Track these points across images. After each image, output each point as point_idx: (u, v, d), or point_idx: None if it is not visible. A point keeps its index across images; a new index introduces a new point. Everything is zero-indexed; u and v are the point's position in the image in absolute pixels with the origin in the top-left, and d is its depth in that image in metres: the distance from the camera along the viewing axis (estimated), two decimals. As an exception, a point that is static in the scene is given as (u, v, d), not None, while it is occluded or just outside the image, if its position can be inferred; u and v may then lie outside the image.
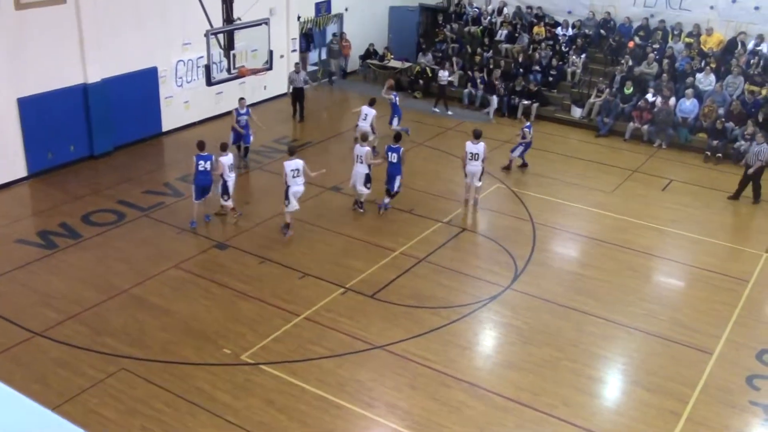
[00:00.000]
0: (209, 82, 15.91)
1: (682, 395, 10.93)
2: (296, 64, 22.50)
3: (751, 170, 17.40)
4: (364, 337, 11.96)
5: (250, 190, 17.69)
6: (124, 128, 19.05)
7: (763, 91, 20.85)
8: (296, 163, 14.94)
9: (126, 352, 11.37)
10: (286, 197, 14.90)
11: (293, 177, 14.84)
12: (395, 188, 16.17)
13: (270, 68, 17.06)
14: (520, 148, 18.85)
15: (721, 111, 20.78)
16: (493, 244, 15.21)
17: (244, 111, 18.37)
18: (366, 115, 19.22)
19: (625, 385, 11.39)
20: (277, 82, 23.24)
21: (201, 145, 15.11)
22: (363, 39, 26.54)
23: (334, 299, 13.01)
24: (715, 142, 20.12)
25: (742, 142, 19.78)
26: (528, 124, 19.11)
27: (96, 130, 18.39)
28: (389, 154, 16.09)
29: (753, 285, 14.02)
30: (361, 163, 15.97)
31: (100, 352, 11.36)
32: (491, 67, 24.31)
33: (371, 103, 19.41)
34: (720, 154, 20.04)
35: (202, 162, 14.87)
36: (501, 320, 12.75)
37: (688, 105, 21.10)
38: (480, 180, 16.60)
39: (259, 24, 16.23)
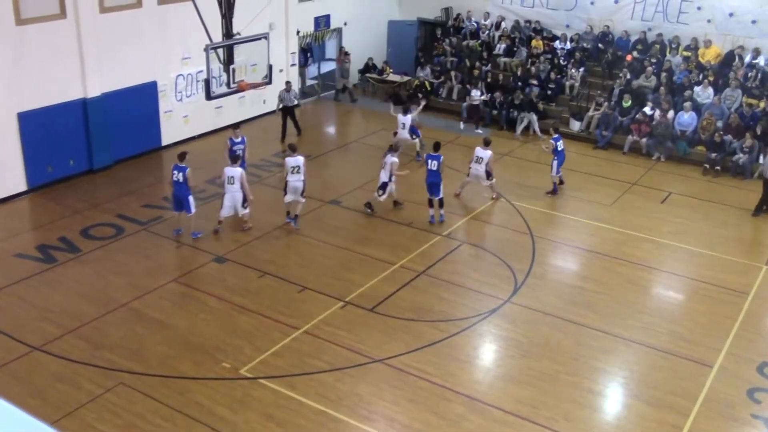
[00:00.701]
0: (209, 97, 15.98)
1: (683, 409, 10.89)
2: (287, 82, 21.70)
3: None
4: (364, 351, 11.92)
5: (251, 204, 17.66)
6: (123, 142, 19.09)
7: (761, 104, 20.89)
8: (296, 160, 15.66)
9: (125, 367, 11.33)
10: (285, 191, 15.76)
11: (292, 173, 15.58)
12: (440, 195, 16.33)
13: (269, 82, 17.16)
14: (555, 164, 18.20)
15: (719, 124, 20.83)
16: (492, 258, 15.20)
17: (239, 140, 17.19)
18: (403, 124, 19.88)
19: (625, 399, 11.35)
20: (276, 97, 23.29)
21: (181, 156, 15.23)
22: (362, 53, 26.62)
23: (334, 313, 12.98)
24: (713, 155, 20.15)
25: (741, 155, 19.82)
26: (556, 135, 18.41)
27: (95, 144, 18.42)
28: (429, 161, 16.32)
29: (753, 298, 14.00)
30: (383, 170, 16.37)
31: (98, 366, 11.33)
32: (489, 80, 24.38)
33: (405, 112, 20.21)
34: (718, 167, 20.07)
35: (176, 172, 15.07)
36: (500, 333, 12.72)
37: (687, 118, 21.15)
38: (489, 180, 17.43)
39: (259, 39, 16.32)
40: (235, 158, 15.99)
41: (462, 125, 23.28)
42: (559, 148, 18.16)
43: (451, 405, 10.84)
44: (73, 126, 17.97)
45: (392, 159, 16.30)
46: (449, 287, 14.01)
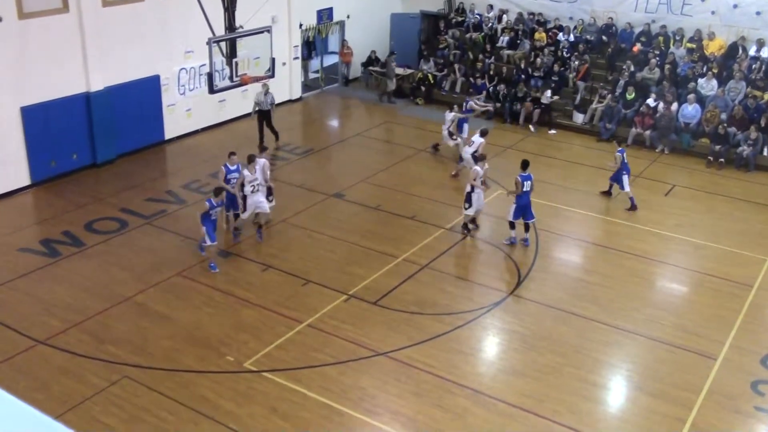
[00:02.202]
0: (212, 90, 15.98)
1: (687, 401, 10.89)
2: (264, 84, 19.31)
3: None
4: (367, 344, 11.94)
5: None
6: (126, 136, 19.08)
7: (766, 96, 20.81)
8: (256, 176, 14.74)
9: (129, 360, 11.36)
10: (243, 208, 14.96)
11: (252, 192, 14.74)
12: (532, 218, 15.28)
13: (272, 76, 17.13)
14: (625, 179, 17.15)
15: (723, 116, 20.76)
16: (495, 250, 15.20)
17: (234, 168, 14.97)
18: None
19: (629, 392, 11.35)
20: (279, 90, 23.26)
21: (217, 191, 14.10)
22: (365, 46, 26.58)
23: (337, 306, 12.99)
24: (717, 147, 20.10)
25: (745, 147, 19.76)
26: (621, 149, 17.59)
27: (98, 138, 18.42)
28: (525, 183, 14.91)
29: (757, 290, 13.98)
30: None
31: (103, 360, 11.36)
32: (491, 73, 24.33)
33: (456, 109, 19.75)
34: (722, 159, 20.02)
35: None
36: (504, 326, 12.72)
37: (691, 110, 21.09)
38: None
39: (261, 32, 16.32)
40: (231, 191, 14.75)
41: (532, 128, 22.47)
42: (625, 161, 17.31)
43: (455, 398, 10.85)
44: (76, 120, 17.97)
45: (475, 169, 15.43)
46: (453, 280, 14.01)
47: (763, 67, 21.71)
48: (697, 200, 18.05)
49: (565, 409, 10.69)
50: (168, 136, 20.39)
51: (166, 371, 11.15)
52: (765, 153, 19.92)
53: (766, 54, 22.04)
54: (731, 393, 11.14)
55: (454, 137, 19.35)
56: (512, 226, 15.18)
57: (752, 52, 22.24)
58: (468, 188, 15.30)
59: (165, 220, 16.00)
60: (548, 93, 22.93)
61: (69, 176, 17.94)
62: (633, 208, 17.08)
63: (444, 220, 16.28)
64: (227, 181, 14.84)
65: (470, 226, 15.70)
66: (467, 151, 17.79)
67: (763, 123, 20.03)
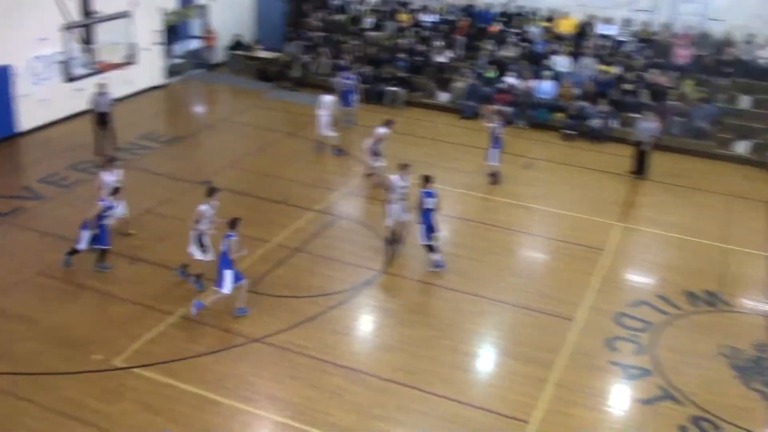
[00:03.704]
0: (68, 79, 15.30)
1: (548, 362, 11.56)
2: (100, 84, 17.92)
3: (647, 147, 18.48)
4: (241, 332, 11.92)
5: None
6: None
7: (613, 70, 22.12)
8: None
9: (-11, 367, 10.85)
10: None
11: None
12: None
13: (134, 62, 16.61)
14: (493, 150, 17.55)
15: (576, 91, 21.89)
16: (366, 230, 15.45)
17: (113, 175, 14.09)
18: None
19: (496, 357, 11.93)
20: (143, 76, 22.57)
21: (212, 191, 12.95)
22: (229, 30, 26.12)
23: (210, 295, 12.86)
24: (571, 121, 21.19)
25: (597, 120, 20.94)
26: (500, 122, 17.77)
27: (-57, 134, 17.28)
28: (426, 200, 13.60)
29: (608, 253, 14.94)
30: None
31: (-40, 368, 10.79)
32: (357, 55, 24.52)
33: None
34: (576, 132, 21.12)
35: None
36: (376, 304, 13.02)
37: (547, 86, 22.11)
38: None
39: (120, 17, 15.77)
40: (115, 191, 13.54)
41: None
42: (499, 135, 17.55)
43: (331, 377, 11.04)
44: None
45: (391, 178, 14.38)
46: (325, 262, 14.16)
47: (611, 44, 23.06)
48: (554, 172, 19.01)
49: (438, 379, 11.10)
50: (22, 128, 19.35)
51: (29, 375, 10.70)
52: (614, 125, 21.18)
53: (613, 32, 23.43)
54: (588, 350, 11.91)
55: (335, 128, 19.28)
56: (430, 248, 13.95)
57: (601, 30, 23.56)
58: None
59: (23, 217, 15.24)
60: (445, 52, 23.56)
61: None
62: (496, 182, 17.77)
63: (314, 202, 16.38)
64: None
65: (393, 238, 14.48)
66: (367, 144, 17.32)
67: (613, 96, 21.29)
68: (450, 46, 24.27)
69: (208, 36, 25.67)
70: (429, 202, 13.53)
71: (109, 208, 13.15)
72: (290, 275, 13.59)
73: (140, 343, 11.51)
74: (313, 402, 10.51)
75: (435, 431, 10.14)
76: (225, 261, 11.94)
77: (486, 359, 11.96)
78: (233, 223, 11.97)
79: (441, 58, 23.88)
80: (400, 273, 13.91)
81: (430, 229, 13.70)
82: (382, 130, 17.12)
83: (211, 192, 12.93)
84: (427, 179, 13.68)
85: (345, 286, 13.36)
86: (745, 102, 21.38)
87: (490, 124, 17.69)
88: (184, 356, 11.28)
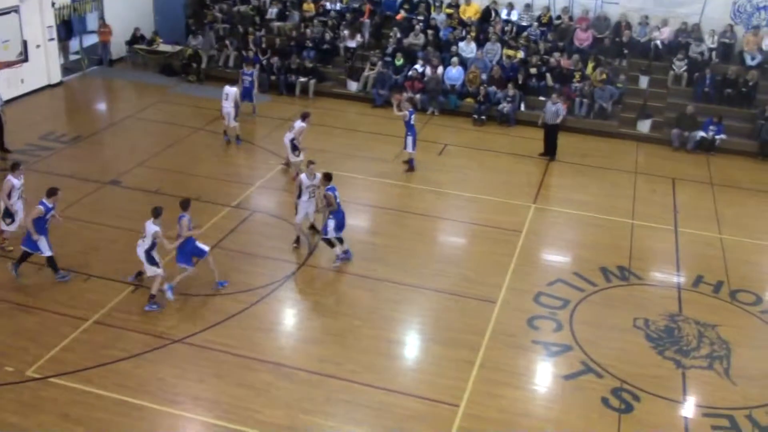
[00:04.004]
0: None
1: (474, 344, 11.70)
2: None
3: (554, 129, 18.89)
4: (161, 333, 11.57)
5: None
6: None
7: (518, 55, 22.57)
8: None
9: None
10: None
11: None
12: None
13: (26, 59, 15.81)
14: (408, 138, 17.64)
15: (483, 76, 22.22)
16: (283, 224, 15.22)
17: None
18: (226, 95, 18.65)
19: (422, 343, 12.01)
20: (35, 75, 21.52)
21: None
22: (127, 23, 25.22)
23: (125, 298, 12.43)
24: (480, 106, 21.49)
25: (505, 104, 21.31)
26: (411, 110, 17.77)
27: None
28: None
29: (526, 234, 15.25)
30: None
31: None
32: (264, 46, 24.13)
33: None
34: (484, 117, 21.44)
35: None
36: (299, 297, 12.89)
37: (455, 73, 22.35)
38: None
39: (8, 12, 14.98)
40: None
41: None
42: (412, 122, 17.60)
43: (257, 374, 10.86)
44: None
45: (300, 177, 14.13)
46: (244, 258, 13.90)
47: (514, 29, 23.53)
48: (467, 157, 19.25)
49: (363, 368, 11.08)
50: None
51: (-66, 393, 10.09)
52: (523, 108, 21.62)
53: (515, 17, 23.90)
54: (511, 331, 12.13)
55: (237, 118, 18.97)
56: (340, 240, 13.78)
57: (504, 15, 23.99)
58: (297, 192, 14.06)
59: None
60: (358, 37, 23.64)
61: None
62: (411, 169, 17.81)
63: (229, 198, 16.04)
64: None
65: (304, 233, 14.40)
66: (286, 137, 16.93)
67: (519, 80, 21.72)
68: (358, 30, 24.20)
69: (101, 30, 24.65)
70: (336, 197, 13.45)
71: (49, 210, 12.51)
72: (209, 273, 13.23)
73: (54, 351, 11.00)
74: (240, 400, 10.31)
75: (365, 420, 10.11)
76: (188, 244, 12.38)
77: (412, 346, 12.01)
78: (185, 204, 12.38)
79: (351, 44, 23.80)
80: (321, 265, 13.80)
81: (339, 226, 13.59)
82: (299, 124, 16.87)
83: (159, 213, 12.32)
84: (327, 177, 13.64)
85: (266, 281, 13.14)
86: (644, 82, 22.21)
87: (401, 113, 17.74)
88: (102, 362, 10.86)
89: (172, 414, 10.01)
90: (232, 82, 19.47)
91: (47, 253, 12.63)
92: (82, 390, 10.27)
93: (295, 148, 16.78)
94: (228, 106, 18.59)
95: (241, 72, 20.85)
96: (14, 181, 13.29)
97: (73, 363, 10.79)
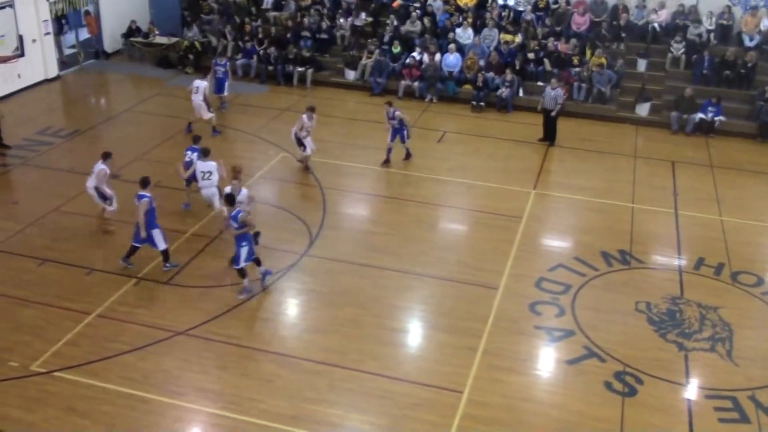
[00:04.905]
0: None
1: (476, 331, 11.72)
2: None
3: (554, 113, 18.86)
4: (164, 326, 11.58)
5: (18, 188, 16.34)
6: None
7: (516, 39, 22.50)
8: (209, 165, 14.12)
9: None
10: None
11: (203, 179, 14.21)
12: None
13: (22, 54, 15.77)
14: (402, 132, 17.23)
15: (481, 62, 22.15)
16: (285, 214, 15.24)
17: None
18: (197, 87, 18.50)
19: (424, 331, 12.02)
20: (32, 69, 21.47)
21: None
22: (123, 16, 25.13)
23: (128, 291, 12.45)
24: (479, 93, 21.44)
25: (503, 90, 21.26)
26: (394, 108, 17.19)
27: None
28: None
29: (526, 220, 15.25)
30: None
31: None
32: (260, 36, 24.03)
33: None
34: (483, 103, 21.40)
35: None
36: (301, 287, 12.89)
37: (452, 59, 22.28)
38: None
39: (3, 7, 14.93)
40: None
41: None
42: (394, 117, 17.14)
43: (261, 365, 10.88)
44: None
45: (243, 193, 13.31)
46: (245, 249, 13.88)
47: (511, 14, 23.46)
48: (466, 143, 19.23)
49: (368, 357, 11.10)
50: None
51: (-61, 390, 10.12)
52: (521, 94, 21.58)
53: (512, 2, 23.83)
54: (513, 317, 12.15)
55: (211, 109, 18.87)
56: (245, 272, 12.37)
57: (501, 0, 23.92)
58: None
59: None
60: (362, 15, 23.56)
61: None
62: (407, 156, 17.79)
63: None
64: None
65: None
66: (293, 131, 16.66)
67: (517, 66, 21.66)
68: (362, 9, 24.30)
69: (87, 23, 24.53)
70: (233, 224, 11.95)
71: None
72: (210, 265, 13.28)
73: (58, 345, 11.02)
74: (244, 390, 10.34)
75: (369, 409, 10.14)
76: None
77: (415, 334, 12.03)
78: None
79: (357, 22, 23.86)
80: (322, 254, 13.80)
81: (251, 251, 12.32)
82: (305, 119, 16.68)
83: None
84: (230, 199, 12.32)
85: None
86: (642, 65, 22.15)
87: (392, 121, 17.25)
88: (106, 355, 10.88)
89: (177, 405, 10.03)
90: (203, 75, 19.26)
91: (162, 246, 12.87)
92: (87, 383, 10.30)
93: (300, 142, 16.70)
94: (197, 99, 18.43)
95: (214, 62, 20.43)
96: (107, 169, 13.79)
97: (77, 357, 10.82)
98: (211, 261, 13.40)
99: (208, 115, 18.67)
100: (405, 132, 17.38)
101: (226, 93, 20.39)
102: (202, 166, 14.21)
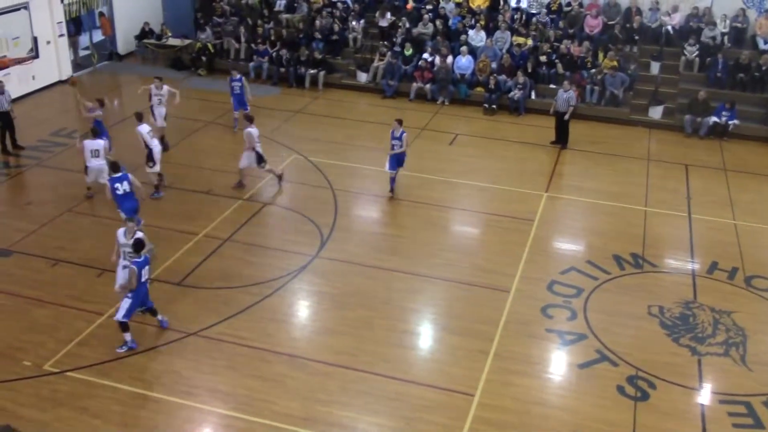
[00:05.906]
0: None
1: (488, 334, 11.69)
2: None
3: (567, 115, 18.77)
4: (176, 326, 11.61)
5: (31, 189, 16.43)
6: None
7: (528, 42, 22.46)
8: (96, 144, 14.86)
9: None
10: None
11: (92, 156, 14.88)
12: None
13: (36, 56, 15.85)
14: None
15: (494, 65, 22.12)
16: (296, 215, 15.26)
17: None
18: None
19: (436, 333, 11.99)
20: (46, 71, 21.59)
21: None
22: (136, 18, 25.25)
23: (139, 292, 12.47)
24: (491, 95, 21.39)
25: (515, 92, 21.22)
26: (402, 130, 15.84)
27: None
28: (141, 271, 10.95)
29: (538, 223, 15.20)
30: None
31: None
32: (273, 38, 24.09)
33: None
34: (495, 106, 21.35)
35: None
36: (312, 289, 12.89)
37: (464, 62, 22.26)
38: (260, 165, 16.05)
39: (18, 9, 15.02)
40: None
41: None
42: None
43: (272, 366, 10.89)
44: None
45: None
46: (257, 250, 13.92)
47: (524, 17, 23.40)
48: (478, 146, 19.19)
49: (380, 359, 11.09)
50: None
51: (-47, 389, 10.18)
52: (533, 97, 21.53)
53: (524, 4, 23.79)
54: (525, 320, 12.11)
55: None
56: (127, 327, 11.07)
57: (513, 3, 23.88)
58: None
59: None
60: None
61: None
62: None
63: (240, 191, 16.06)
64: None
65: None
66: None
67: (529, 68, 21.61)
68: (387, 9, 24.39)
69: (102, 25, 24.65)
70: (144, 272, 10.92)
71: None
72: (222, 266, 13.30)
73: (71, 345, 11.07)
74: (256, 392, 10.35)
75: (381, 411, 10.13)
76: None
77: (426, 336, 12.01)
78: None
79: (383, 23, 23.95)
80: (333, 256, 13.79)
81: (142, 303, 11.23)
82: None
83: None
84: (138, 246, 10.89)
85: (279, 273, 13.16)
86: (655, 68, 22.06)
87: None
88: (118, 356, 10.91)
89: (189, 406, 10.06)
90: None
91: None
92: (99, 383, 10.34)
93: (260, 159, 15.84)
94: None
95: (230, 79, 19.20)
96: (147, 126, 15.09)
97: (89, 357, 10.86)
98: (223, 262, 13.42)
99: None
100: (404, 156, 16.16)
101: (248, 108, 19.17)
102: (90, 144, 14.80)
